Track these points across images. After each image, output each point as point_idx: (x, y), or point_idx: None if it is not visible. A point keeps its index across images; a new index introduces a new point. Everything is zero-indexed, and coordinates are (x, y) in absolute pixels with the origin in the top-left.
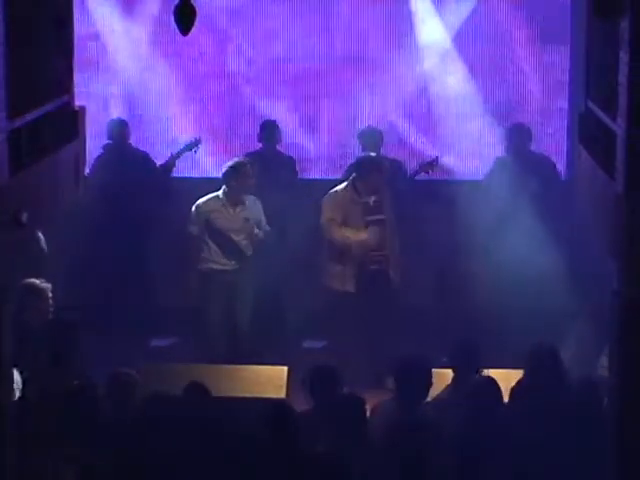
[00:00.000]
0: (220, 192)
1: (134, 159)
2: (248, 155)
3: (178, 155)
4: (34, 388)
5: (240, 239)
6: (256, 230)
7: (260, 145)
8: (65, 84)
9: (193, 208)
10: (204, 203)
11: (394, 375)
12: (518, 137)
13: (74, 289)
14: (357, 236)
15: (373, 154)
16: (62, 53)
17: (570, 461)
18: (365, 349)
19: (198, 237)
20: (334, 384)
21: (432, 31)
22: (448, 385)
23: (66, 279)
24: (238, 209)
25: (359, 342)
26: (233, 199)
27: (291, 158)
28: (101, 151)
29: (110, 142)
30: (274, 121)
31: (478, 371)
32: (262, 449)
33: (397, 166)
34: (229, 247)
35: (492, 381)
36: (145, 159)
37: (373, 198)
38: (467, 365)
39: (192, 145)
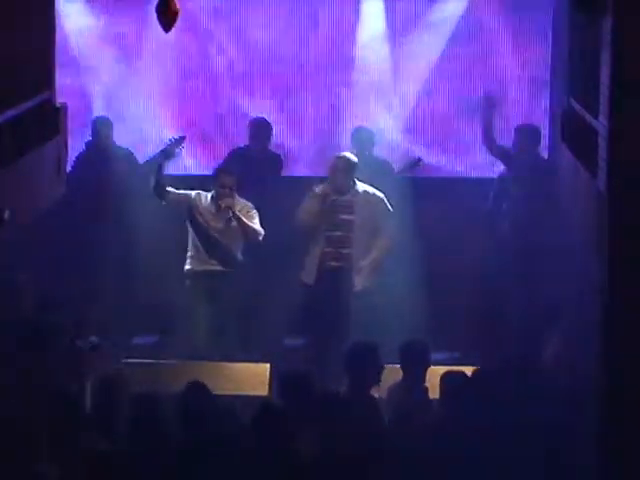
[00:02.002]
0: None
1: (117, 157)
2: (235, 151)
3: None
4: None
5: (224, 239)
6: (250, 213)
7: (248, 142)
8: (47, 80)
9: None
10: (199, 193)
11: (344, 363)
12: (524, 139)
13: (55, 287)
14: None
15: (343, 153)
16: (44, 49)
17: (549, 462)
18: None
19: (164, 191)
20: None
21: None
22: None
23: (47, 277)
24: (222, 212)
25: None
26: (215, 201)
27: (278, 156)
28: (83, 148)
29: (93, 139)
30: (264, 119)
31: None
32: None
33: (385, 166)
34: (212, 246)
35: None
36: (128, 157)
37: (343, 197)
38: (416, 364)
39: (175, 143)
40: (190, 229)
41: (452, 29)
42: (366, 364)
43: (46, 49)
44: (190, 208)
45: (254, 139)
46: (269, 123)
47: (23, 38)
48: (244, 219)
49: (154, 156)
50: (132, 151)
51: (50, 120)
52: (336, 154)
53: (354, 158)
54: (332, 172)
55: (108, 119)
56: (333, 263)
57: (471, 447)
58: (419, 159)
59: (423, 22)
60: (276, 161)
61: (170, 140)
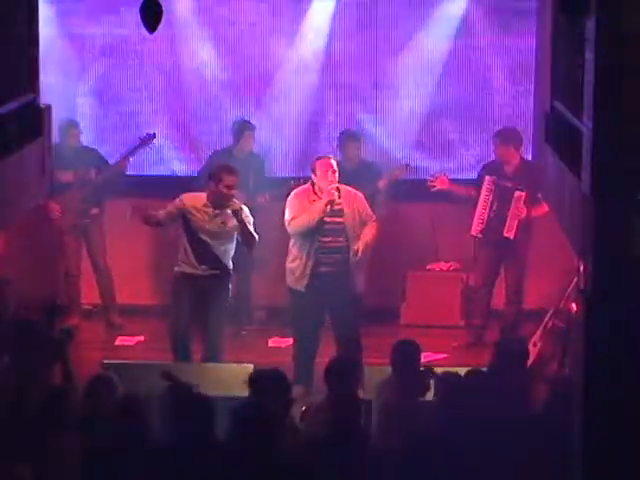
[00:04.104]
0: (204, 192)
1: (85, 158)
2: (218, 152)
3: (132, 152)
4: None
5: (216, 244)
6: (248, 218)
7: (231, 143)
8: (31, 81)
9: (178, 198)
10: (187, 197)
11: (324, 374)
12: (501, 142)
13: (38, 288)
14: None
15: (328, 155)
16: (27, 50)
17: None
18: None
19: (161, 221)
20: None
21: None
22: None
23: (30, 278)
24: (218, 212)
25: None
26: (214, 202)
27: (260, 157)
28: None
29: (59, 142)
30: (248, 120)
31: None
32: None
33: (375, 169)
34: (202, 251)
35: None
36: (96, 158)
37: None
38: (407, 365)
39: (146, 141)
40: (183, 233)
41: (438, 29)
42: (348, 378)
43: (30, 50)
44: (183, 215)
45: (237, 140)
46: (252, 125)
47: (6, 38)
48: (247, 224)
49: (127, 152)
50: (99, 151)
51: (34, 121)
52: (321, 157)
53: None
54: (326, 174)
55: (75, 120)
56: (325, 269)
57: (464, 447)
58: (405, 166)
59: (407, 23)
60: (259, 162)
61: (141, 138)
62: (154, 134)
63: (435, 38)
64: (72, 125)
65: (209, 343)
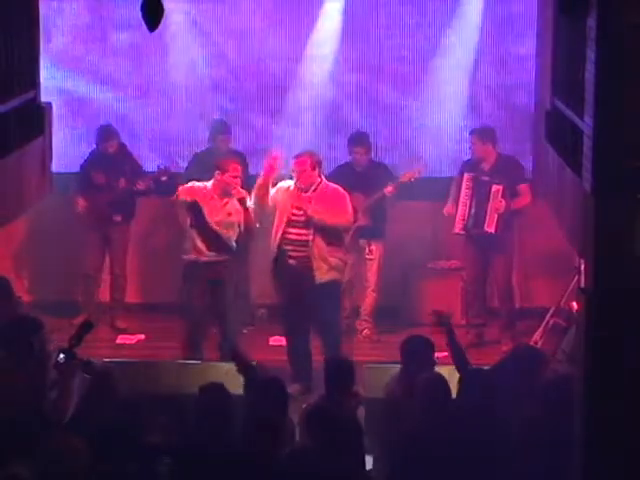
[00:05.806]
0: (210, 182)
1: (118, 162)
2: (199, 154)
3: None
4: None
5: (223, 232)
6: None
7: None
8: (31, 79)
9: (180, 188)
10: (192, 187)
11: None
12: (478, 140)
13: (41, 286)
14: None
15: (308, 151)
16: (28, 48)
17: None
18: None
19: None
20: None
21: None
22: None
23: (34, 276)
24: (224, 201)
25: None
26: (219, 191)
27: (241, 154)
28: (88, 156)
29: (96, 149)
30: (222, 119)
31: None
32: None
33: (384, 171)
34: (211, 237)
35: (441, 378)
36: (130, 162)
37: (305, 195)
38: (415, 362)
39: (162, 174)
40: (188, 220)
41: (440, 31)
42: (342, 379)
43: (31, 47)
44: (191, 207)
45: (212, 140)
46: (227, 124)
47: (7, 36)
48: (251, 212)
49: (152, 177)
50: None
51: (34, 119)
52: (302, 152)
53: (317, 155)
54: (294, 170)
55: (114, 130)
56: (292, 262)
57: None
58: (418, 168)
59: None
60: (241, 159)
61: (159, 166)
62: (169, 174)
63: (443, 41)
64: (111, 135)
65: (227, 329)
